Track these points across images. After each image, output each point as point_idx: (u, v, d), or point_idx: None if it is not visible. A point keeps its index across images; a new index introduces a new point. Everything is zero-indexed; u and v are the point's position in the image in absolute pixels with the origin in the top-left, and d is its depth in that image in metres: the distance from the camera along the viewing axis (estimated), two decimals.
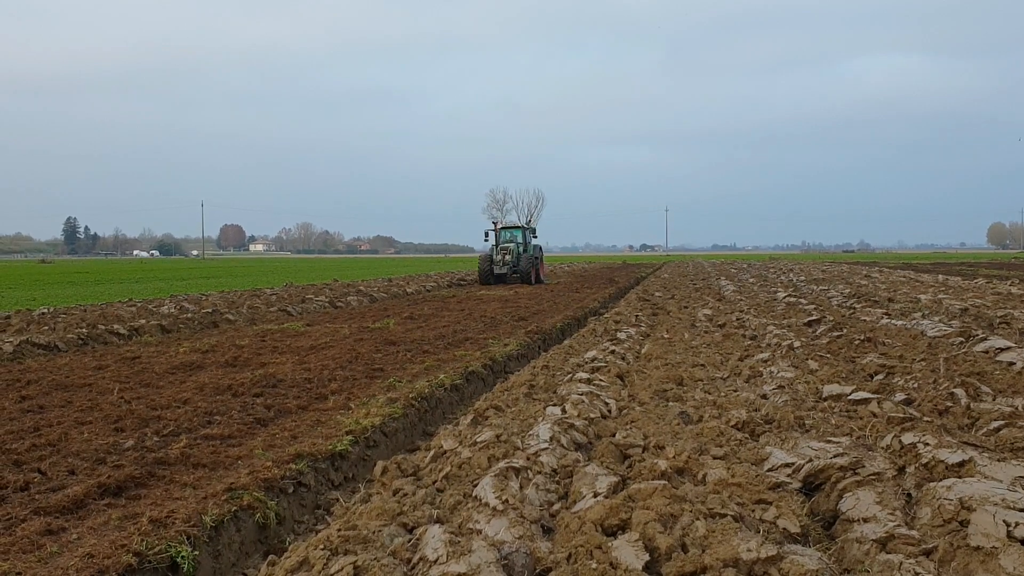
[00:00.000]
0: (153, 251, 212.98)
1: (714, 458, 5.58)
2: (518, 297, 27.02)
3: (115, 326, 15.97)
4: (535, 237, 38.76)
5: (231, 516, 5.37)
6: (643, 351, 11.83)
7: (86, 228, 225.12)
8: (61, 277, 48.00)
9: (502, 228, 38.21)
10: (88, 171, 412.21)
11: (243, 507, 5.51)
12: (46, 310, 19.82)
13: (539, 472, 5.40)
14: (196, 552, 4.89)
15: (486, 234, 37.62)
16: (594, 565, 3.75)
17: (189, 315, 18.73)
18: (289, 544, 5.09)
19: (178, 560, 4.74)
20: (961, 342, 11.17)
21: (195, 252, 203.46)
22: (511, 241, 36.95)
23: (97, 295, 28.68)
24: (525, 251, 36.74)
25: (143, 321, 17.07)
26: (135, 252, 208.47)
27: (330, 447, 6.93)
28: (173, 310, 19.94)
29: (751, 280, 34.19)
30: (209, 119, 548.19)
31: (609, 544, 3.95)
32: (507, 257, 35.58)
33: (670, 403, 7.75)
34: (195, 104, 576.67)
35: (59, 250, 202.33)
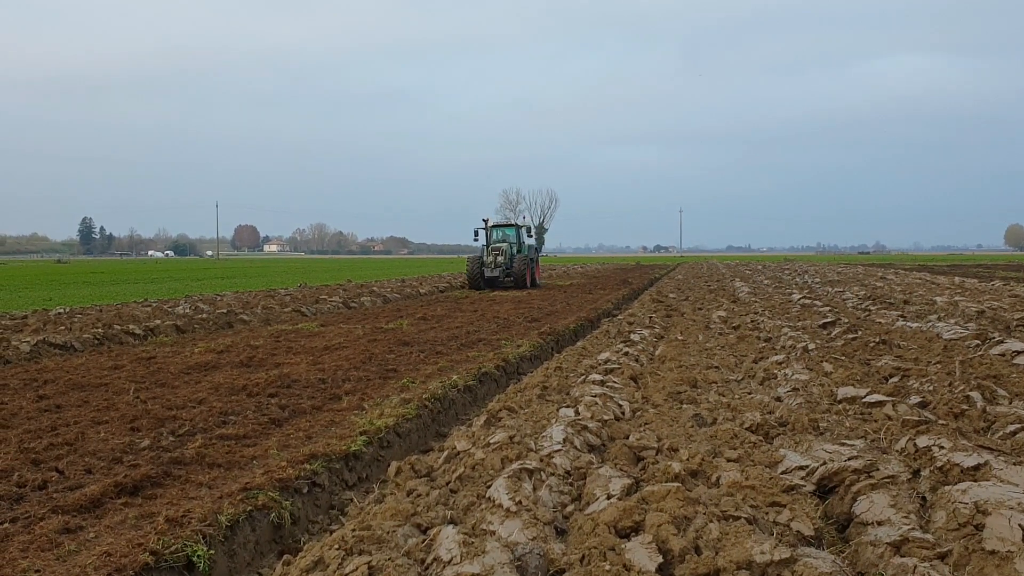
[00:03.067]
0: (168, 251, 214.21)
1: (728, 460, 5.58)
2: (531, 298, 27.02)
3: (131, 326, 16.08)
4: (531, 236, 35.06)
5: (246, 516, 5.40)
6: (657, 353, 11.82)
7: (101, 228, 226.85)
8: (77, 277, 48.34)
9: (493, 226, 34.15)
10: (104, 172, 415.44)
11: (258, 507, 5.54)
12: (62, 310, 19.98)
13: (552, 474, 5.41)
14: (212, 551, 4.92)
15: (476, 233, 33.39)
16: (607, 567, 3.76)
17: (204, 315, 18.84)
18: (304, 544, 5.12)
19: (194, 559, 4.77)
20: (977, 345, 11.10)
21: (210, 252, 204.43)
22: (503, 241, 33.35)
23: (112, 295, 28.88)
24: (519, 251, 33.20)
25: (158, 321, 17.18)
26: (150, 252, 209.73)
27: (344, 447, 6.95)
28: (188, 310, 20.06)
29: (766, 282, 34.07)
30: (224, 120, 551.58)
31: (623, 546, 3.96)
32: (499, 258, 31.92)
33: (684, 405, 7.74)
34: (210, 106, 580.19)
35: (75, 250, 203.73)
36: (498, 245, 32.69)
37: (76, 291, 32.37)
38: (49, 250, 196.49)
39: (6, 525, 5.19)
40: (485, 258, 32.21)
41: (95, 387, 10.06)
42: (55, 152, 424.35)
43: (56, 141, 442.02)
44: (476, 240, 33.42)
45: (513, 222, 35.14)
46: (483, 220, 33.82)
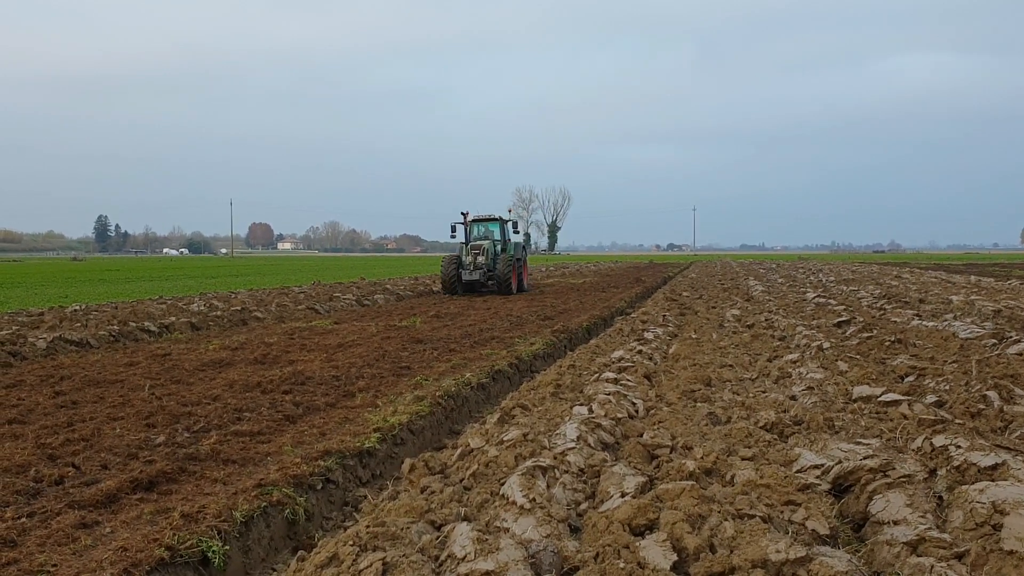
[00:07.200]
0: (182, 249, 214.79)
1: (743, 459, 5.56)
2: (544, 296, 27.01)
3: (146, 323, 16.17)
4: (517, 232, 29.99)
5: (261, 512, 5.42)
6: (670, 351, 11.79)
7: (117, 226, 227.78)
8: (92, 275, 48.63)
9: (473, 220, 28.99)
10: (119, 170, 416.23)
11: (272, 503, 5.57)
12: (78, 307, 20.11)
13: (566, 471, 5.41)
14: (226, 547, 4.94)
15: (453, 228, 28.41)
16: (622, 564, 3.75)
17: (218, 313, 18.92)
18: (318, 540, 5.14)
19: (209, 555, 4.79)
20: (994, 344, 11.02)
21: (224, 250, 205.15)
22: (485, 237, 28.63)
23: (128, 292, 29.04)
24: (503, 250, 28.37)
25: (173, 318, 17.27)
26: (165, 250, 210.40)
27: (358, 444, 6.97)
28: (203, 308, 20.15)
29: (780, 280, 33.93)
30: (239, 119, 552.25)
31: (637, 544, 3.95)
32: (479, 259, 27.32)
33: (698, 404, 7.72)
34: (225, 104, 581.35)
35: (90, 248, 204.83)
36: (479, 243, 27.96)
37: (92, 288, 32.58)
38: (65, 248, 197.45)
39: (23, 520, 5.23)
40: (463, 258, 27.83)
41: (111, 383, 10.12)
42: (71, 150, 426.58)
43: (72, 140, 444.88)
44: (453, 236, 28.69)
45: (497, 216, 29.58)
46: (462, 213, 29.10)
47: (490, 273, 27.46)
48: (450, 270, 27.59)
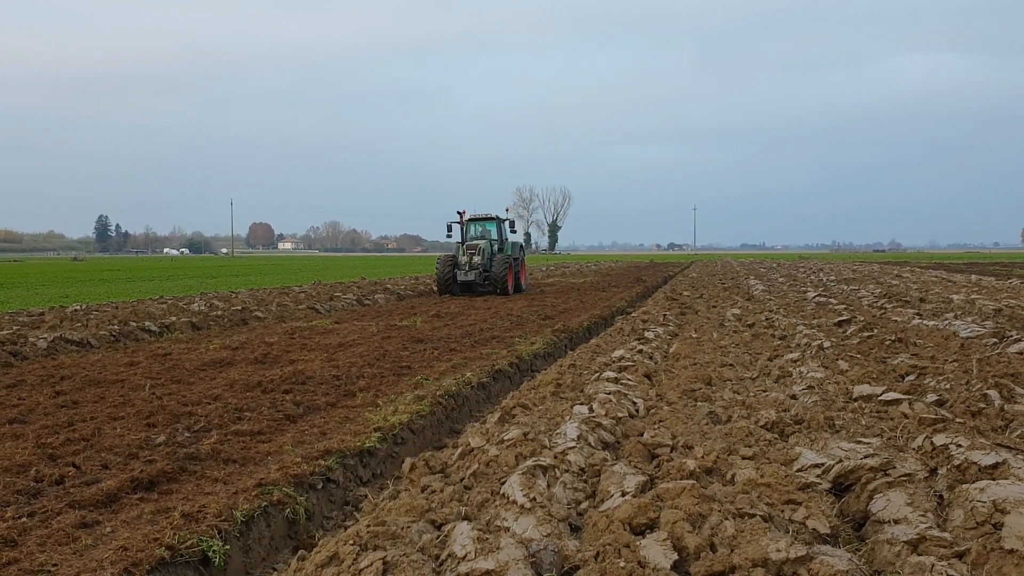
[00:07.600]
0: (183, 249, 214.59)
1: (743, 458, 5.56)
2: (544, 296, 27.02)
3: (146, 323, 16.18)
4: (514, 231, 29.44)
5: (261, 511, 5.43)
6: (671, 350, 11.78)
7: (117, 226, 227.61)
8: (93, 275, 48.64)
9: (470, 220, 28.66)
10: (120, 170, 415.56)
11: (273, 502, 5.57)
12: (79, 307, 20.12)
13: (567, 470, 5.41)
14: (227, 546, 4.94)
15: (449, 227, 28.09)
16: (622, 563, 3.75)
17: (219, 312, 18.93)
18: (319, 539, 5.14)
19: (209, 554, 4.80)
20: (995, 343, 11.01)
21: (224, 250, 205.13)
22: (482, 237, 28.26)
23: (128, 292, 29.05)
24: (500, 250, 27.92)
25: (174, 318, 17.27)
26: (165, 250, 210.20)
27: (359, 444, 6.98)
28: (203, 307, 20.15)
29: (780, 280, 33.92)
30: (240, 119, 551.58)
31: (637, 543, 3.95)
32: (475, 259, 26.91)
33: (699, 403, 7.72)
34: (226, 104, 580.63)
35: (91, 248, 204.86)
36: (475, 243, 27.53)
37: (92, 288, 32.59)
38: (65, 248, 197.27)
39: (24, 519, 5.23)
40: (459, 258, 27.35)
41: (111, 383, 10.12)
42: (72, 150, 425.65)
43: (73, 140, 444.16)
44: (449, 236, 28.25)
45: (494, 215, 29.06)
46: (458, 212, 28.72)
47: (486, 273, 26.80)
48: (445, 270, 27.18)
